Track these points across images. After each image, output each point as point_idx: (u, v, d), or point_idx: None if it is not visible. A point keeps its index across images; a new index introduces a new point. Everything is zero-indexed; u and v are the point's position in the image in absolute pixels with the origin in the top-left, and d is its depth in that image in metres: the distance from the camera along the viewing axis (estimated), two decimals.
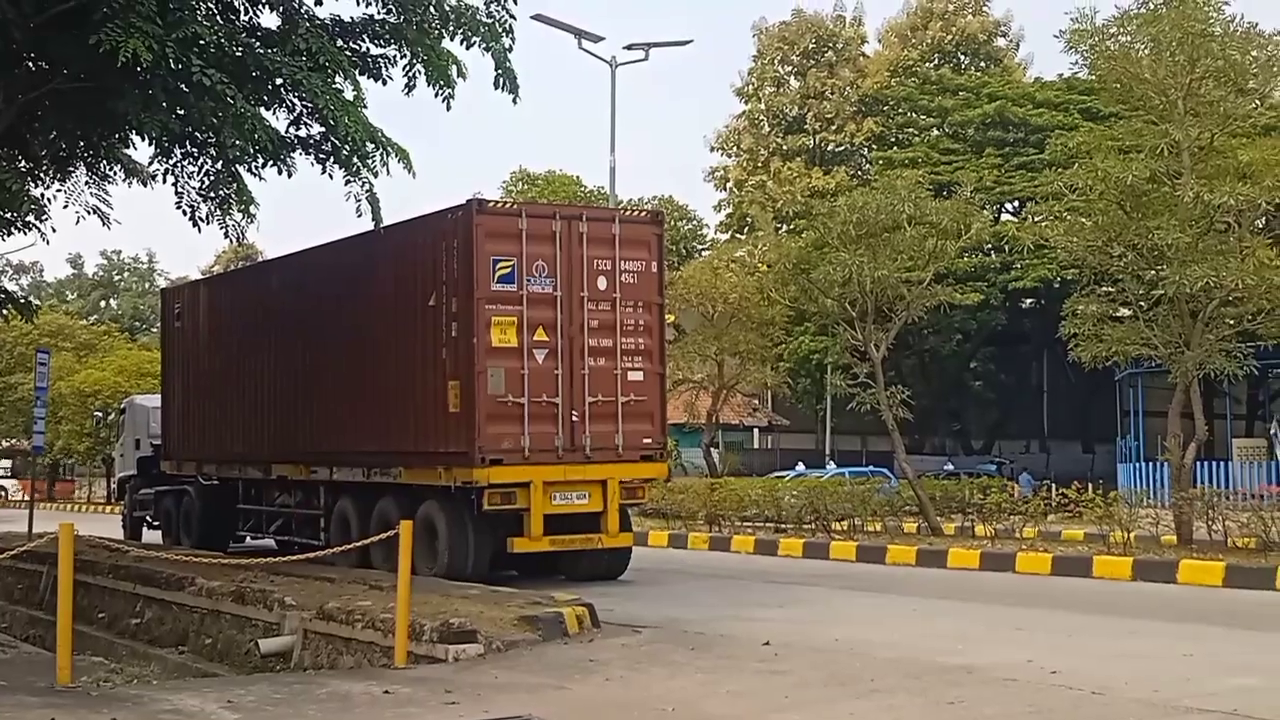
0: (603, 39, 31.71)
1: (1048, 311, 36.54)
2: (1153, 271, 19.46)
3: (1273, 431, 33.27)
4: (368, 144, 15.19)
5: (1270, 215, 20.51)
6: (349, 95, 15.46)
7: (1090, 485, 20.79)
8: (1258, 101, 21.10)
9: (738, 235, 54.36)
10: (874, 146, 54.13)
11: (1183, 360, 19.43)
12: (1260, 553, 17.27)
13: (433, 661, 10.83)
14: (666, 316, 18.69)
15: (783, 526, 24.18)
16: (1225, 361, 19.58)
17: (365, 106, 15.83)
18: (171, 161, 17.23)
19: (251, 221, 17.33)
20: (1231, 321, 20.38)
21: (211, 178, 17.18)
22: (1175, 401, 20.18)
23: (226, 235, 17.89)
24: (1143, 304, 20.23)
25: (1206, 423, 21.38)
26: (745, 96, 58.16)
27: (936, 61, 56.26)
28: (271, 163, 16.76)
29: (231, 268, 51.98)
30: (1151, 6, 19.52)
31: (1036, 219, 21.44)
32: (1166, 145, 19.29)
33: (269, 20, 16.13)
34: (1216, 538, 18.86)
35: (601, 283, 16.63)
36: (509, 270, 16.05)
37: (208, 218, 17.46)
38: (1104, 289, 20.88)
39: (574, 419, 16.32)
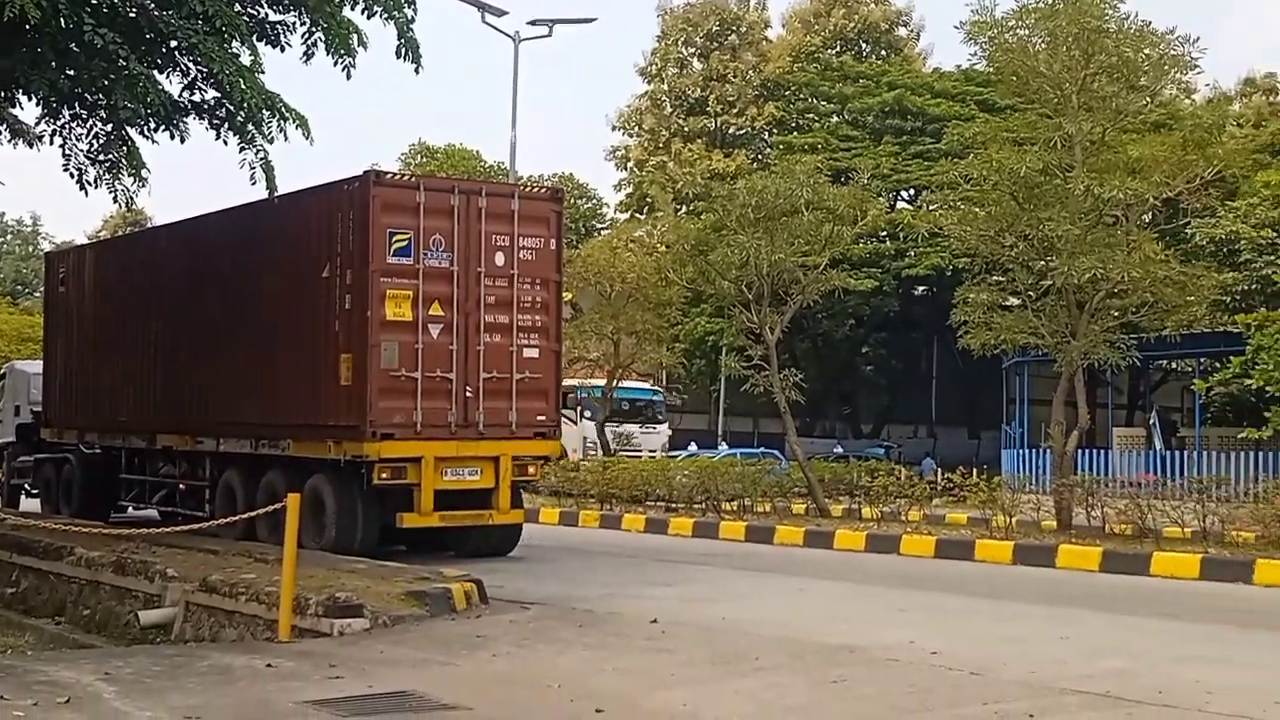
0: (506, 13, 31.54)
1: (939, 299, 37.07)
2: (1042, 262, 19.82)
3: (1152, 421, 34.14)
4: (264, 111, 14.98)
5: (1157, 210, 21.00)
6: (246, 61, 15.23)
7: (975, 470, 21.17)
8: (1148, 99, 21.55)
9: (637, 215, 54.40)
10: (774, 131, 54.47)
11: (1068, 350, 19.83)
12: (1136, 539, 17.71)
13: (317, 635, 10.74)
14: (564, 294, 18.62)
15: (674, 506, 24.29)
16: (1109, 352, 20.03)
17: (262, 73, 15.66)
18: (60, 122, 16.85)
19: (142, 186, 17.04)
20: (1116, 313, 20.85)
21: (101, 140, 16.83)
22: (1060, 390, 20.60)
23: (116, 200, 17.56)
24: (1031, 294, 20.61)
25: (1089, 412, 21.87)
26: (648, 77, 58.18)
27: (838, 48, 56.74)
28: (164, 127, 16.47)
29: (120, 233, 50.84)
30: (1049, 2, 19.82)
31: (931, 207, 21.79)
32: (1060, 139, 19.64)
33: None
34: (1095, 524, 19.30)
35: (499, 258, 16.54)
36: (405, 244, 15.90)
37: (96, 181, 17.12)
38: (994, 278, 21.23)
39: (468, 395, 16.24)
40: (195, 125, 16.74)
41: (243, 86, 14.61)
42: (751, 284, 23.74)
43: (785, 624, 11.56)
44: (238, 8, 15.93)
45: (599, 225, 58.62)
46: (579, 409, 34.07)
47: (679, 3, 57.61)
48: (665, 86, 57.55)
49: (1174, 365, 38.53)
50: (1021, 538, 18.26)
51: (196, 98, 16.44)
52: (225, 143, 16.11)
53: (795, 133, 51.27)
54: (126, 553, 13.91)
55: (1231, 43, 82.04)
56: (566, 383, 31.03)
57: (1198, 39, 19.76)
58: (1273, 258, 31.36)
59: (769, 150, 53.06)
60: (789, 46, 57.74)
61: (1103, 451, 30.36)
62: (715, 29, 56.87)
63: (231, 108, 15.44)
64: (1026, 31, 20.22)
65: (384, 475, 15.73)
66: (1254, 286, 29.64)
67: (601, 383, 34.43)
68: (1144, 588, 15.04)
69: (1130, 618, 12.49)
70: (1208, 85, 49.57)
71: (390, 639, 10.62)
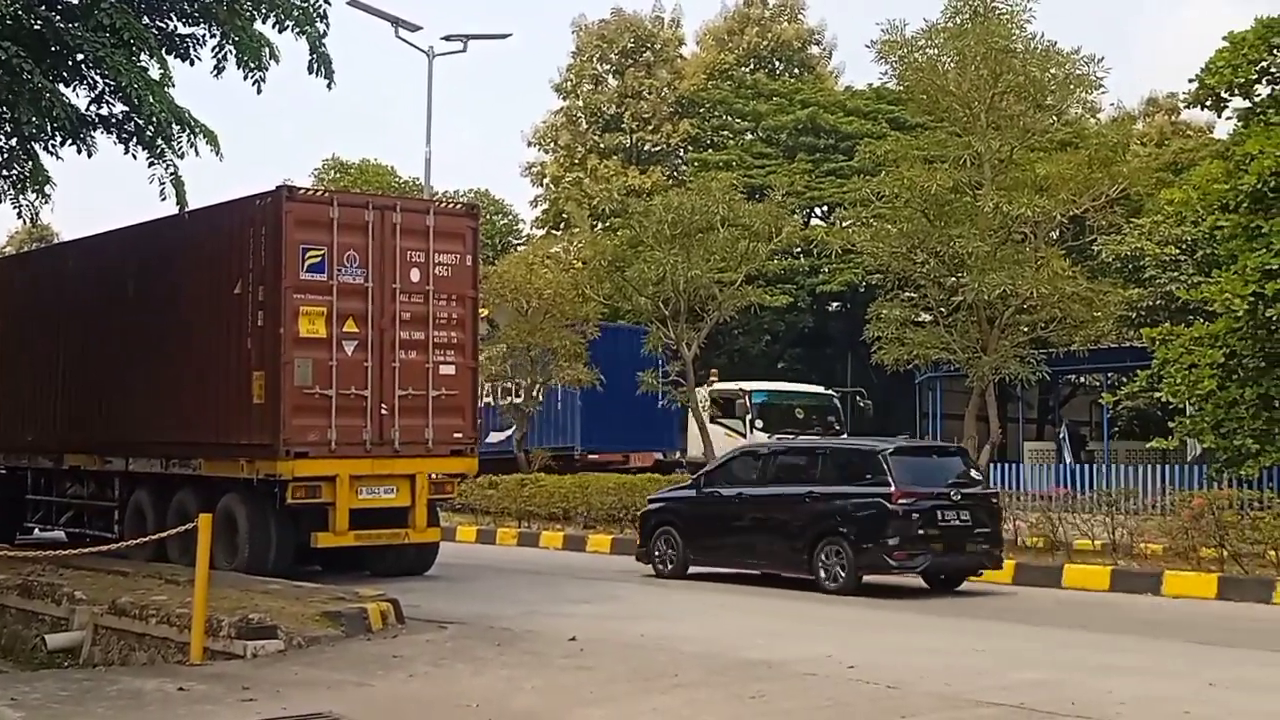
0: (420, 28, 31.35)
1: (853, 315, 37.40)
2: (953, 278, 20.09)
3: (1061, 435, 34.66)
4: (173, 125, 14.74)
5: (1064, 227, 21.38)
6: (155, 74, 14.97)
7: None
8: (1055, 117, 21.97)
9: (553, 231, 54.31)
10: (689, 148, 54.69)
11: (980, 365, 20.10)
12: (1048, 552, 17.96)
13: (230, 658, 10.57)
14: (480, 310, 18.53)
15: (592, 523, 24.24)
16: (1019, 367, 20.34)
17: (172, 86, 15.39)
18: None
19: (46, 201, 16.64)
20: (1026, 329, 21.21)
21: (4, 155, 16.45)
22: (972, 405, 20.88)
23: (20, 215, 17.17)
24: (943, 310, 20.88)
25: (1000, 426, 22.16)
26: (564, 93, 58.16)
27: (752, 66, 57.10)
28: (70, 141, 16.17)
29: (25, 249, 49.85)
30: (958, 22, 20.12)
31: (844, 224, 21.98)
32: (969, 157, 19.95)
33: None
34: (1008, 537, 19.53)
35: (414, 275, 16.43)
36: (319, 259, 15.75)
37: (0, 196, 16.73)
38: (907, 294, 21.48)
39: (383, 412, 16.10)
40: (103, 139, 16.48)
41: (151, 100, 14.37)
42: (668, 300, 23.81)
43: (704, 639, 11.58)
44: (146, 20, 15.68)
45: (515, 241, 58.42)
46: (747, 418, 29.01)
47: (594, 19, 57.70)
48: (580, 103, 57.56)
49: (1082, 380, 39.12)
50: None
51: (104, 111, 16.17)
52: (134, 157, 15.84)
53: (710, 150, 51.52)
54: (33, 575, 13.61)
55: (1134, 64, 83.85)
56: (724, 386, 30.22)
57: (1102, 59, 20.21)
58: (1176, 274, 32.02)
59: (684, 167, 53.25)
60: (703, 64, 58.03)
61: (1014, 465, 30.75)
62: (630, 46, 57.01)
63: (140, 122, 15.19)
64: (936, 51, 20.53)
65: (298, 494, 15.54)
66: (1158, 302, 30.25)
67: (767, 386, 31.18)
68: (1056, 600, 15.27)
69: (1043, 629, 12.67)
70: (1112, 105, 50.53)
71: (305, 660, 10.48)
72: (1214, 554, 16.17)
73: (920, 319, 21.72)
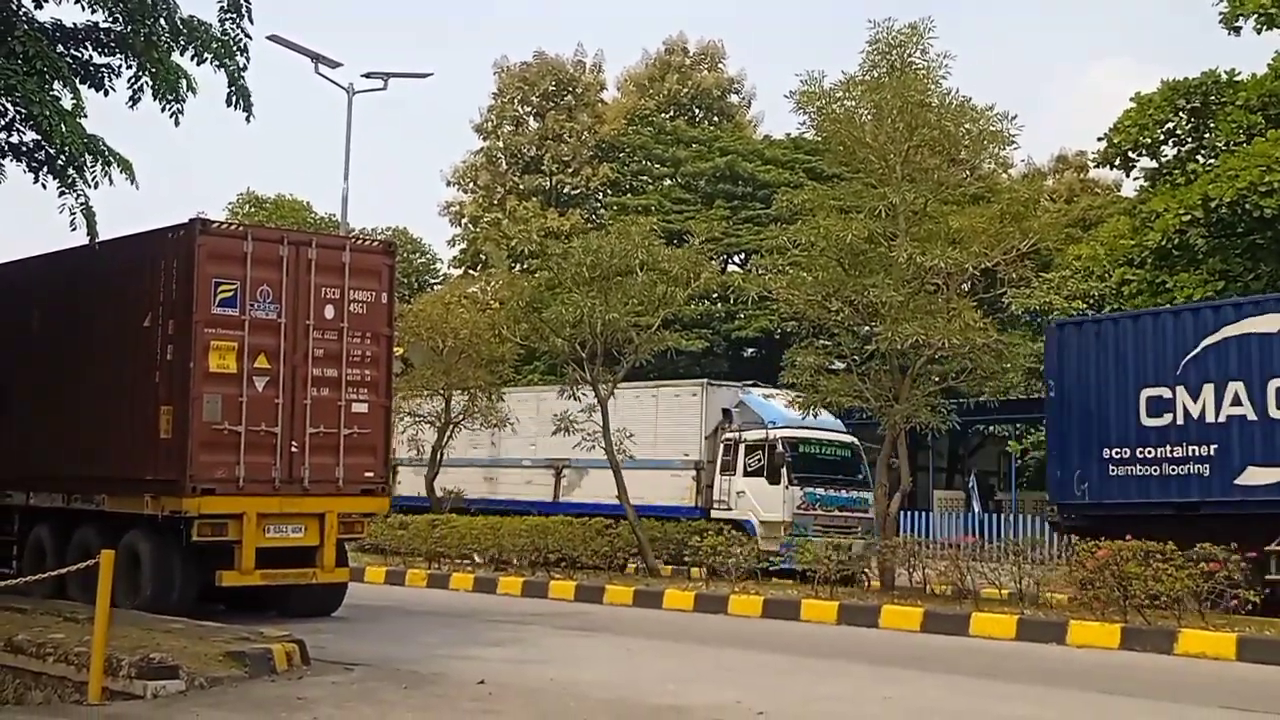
0: (340, 65, 31.34)
1: (768, 361, 37.67)
2: (867, 327, 20.30)
3: (970, 484, 35.10)
4: (85, 155, 14.53)
5: (976, 279, 21.67)
6: (67, 104, 14.76)
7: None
8: (969, 172, 22.33)
9: (471, 271, 54.19)
10: (609, 191, 54.95)
11: (892, 413, 20.30)
12: (956, 600, 18.13)
13: (130, 698, 10.33)
14: (395, 349, 18.41)
15: (503, 565, 24.09)
16: (930, 416, 20.56)
17: (84, 116, 15.17)
18: None
19: None
20: (937, 378, 21.48)
21: None
22: (883, 452, 21.05)
23: None
24: (856, 358, 21.08)
25: (911, 474, 22.36)
26: (484, 133, 58.22)
27: (672, 113, 57.56)
28: None
29: None
30: (875, 75, 20.40)
31: (761, 271, 22.12)
32: (884, 208, 20.18)
33: None
34: (917, 584, 19.72)
35: (329, 311, 16.31)
36: (231, 294, 15.58)
37: None
38: (821, 342, 21.66)
39: (293, 450, 15.92)
40: (13, 167, 16.22)
41: (63, 130, 14.16)
42: (585, 342, 23.81)
43: (614, 685, 11.52)
44: (60, 49, 15.50)
45: (432, 280, 58.23)
46: (782, 468, 25.15)
47: (515, 61, 57.91)
48: (501, 144, 57.63)
49: (991, 430, 39.69)
50: (846, 598, 18.55)
51: (14, 139, 15.92)
52: (44, 186, 15.60)
53: (629, 194, 51.80)
54: None
55: (1045, 121, 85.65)
56: (750, 434, 25.66)
57: (1015, 116, 20.54)
58: None
59: (603, 211, 53.46)
60: (624, 109, 58.40)
61: (924, 513, 31.08)
62: (551, 89, 57.24)
63: (51, 151, 14.97)
64: (853, 103, 20.78)
65: (204, 532, 15.30)
66: None
67: (796, 431, 25.38)
68: (964, 647, 15.40)
69: (951, 677, 12.76)
70: (1023, 161, 51.63)
71: (207, 701, 10.27)
72: (1117, 604, 16.41)
73: (834, 366, 21.91)
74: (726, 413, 26.86)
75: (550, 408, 26.45)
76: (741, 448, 25.93)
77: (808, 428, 25.01)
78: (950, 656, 14.39)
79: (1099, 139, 32.86)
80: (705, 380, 28.94)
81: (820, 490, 25.29)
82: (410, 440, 30.44)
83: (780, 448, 25.07)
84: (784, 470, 24.97)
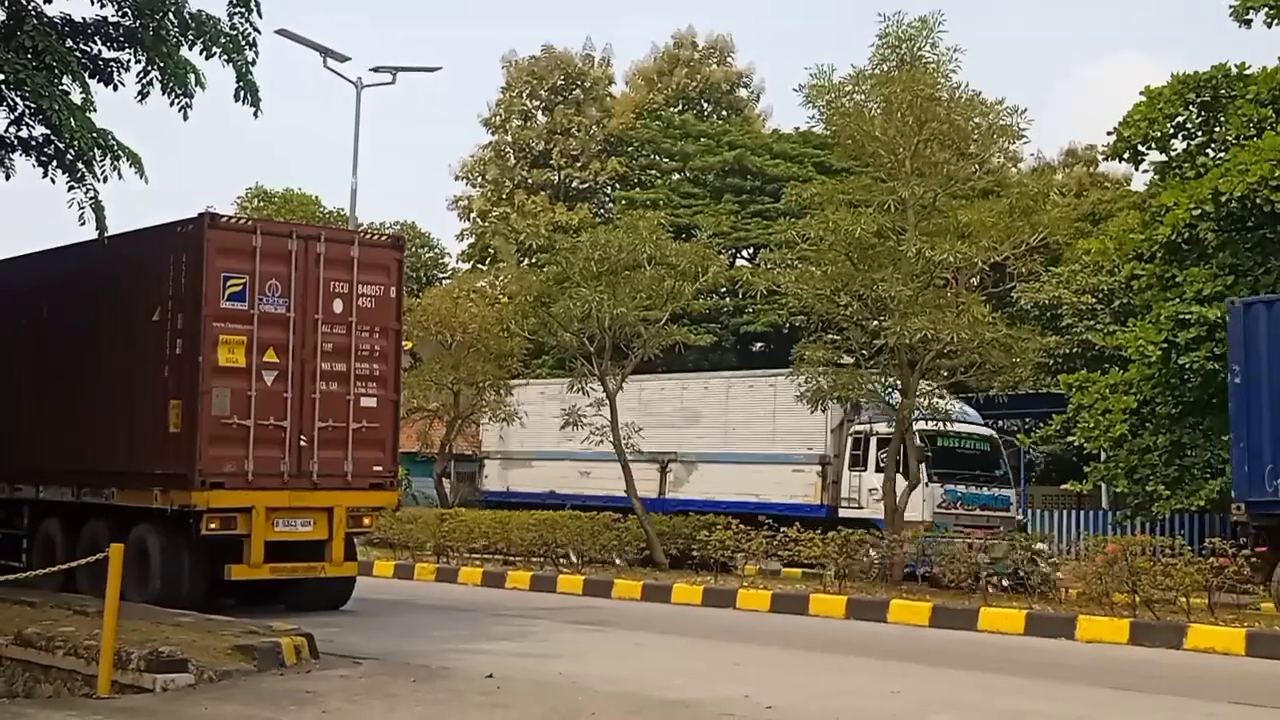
0: (349, 59, 31.23)
1: (777, 355, 37.60)
2: (875, 321, 20.27)
3: None
4: (94, 149, 14.54)
5: (985, 274, 21.65)
6: (77, 98, 14.78)
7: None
8: (977, 166, 22.27)
9: (479, 266, 54.19)
10: (617, 186, 54.93)
11: (900, 407, 20.27)
12: (965, 595, 18.12)
13: (139, 691, 10.36)
14: (404, 343, 18.43)
15: (511, 559, 24.11)
16: (939, 410, 20.52)
17: (94, 110, 15.17)
18: None
19: None
20: (946, 373, 21.44)
21: None
22: (891, 447, 21.02)
23: None
24: (865, 352, 21.05)
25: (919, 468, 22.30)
26: (492, 127, 58.18)
27: (680, 107, 57.51)
28: None
29: None
30: (885, 69, 20.38)
31: (769, 266, 22.06)
32: (893, 202, 20.15)
33: None
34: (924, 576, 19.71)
35: (337, 305, 16.32)
36: (240, 288, 15.60)
37: None
38: (830, 336, 21.65)
39: (302, 444, 15.94)
40: (22, 162, 16.23)
41: (73, 124, 14.18)
42: (593, 337, 23.82)
43: (622, 679, 11.53)
44: (70, 43, 15.51)
45: (440, 275, 58.26)
46: (920, 464, 22.11)
47: (524, 55, 57.87)
48: (509, 138, 57.60)
49: (1000, 424, 39.64)
50: (855, 593, 18.54)
51: (24, 134, 15.93)
52: (53, 181, 15.62)
53: (637, 188, 51.74)
54: None
55: (1055, 115, 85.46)
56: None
57: (1025, 110, 20.51)
58: (1093, 322, 32.60)
59: (611, 205, 53.43)
60: (632, 103, 58.34)
61: None
62: (560, 83, 57.21)
63: (61, 145, 14.99)
64: (862, 97, 20.76)
65: (213, 525, 15.32)
66: (1075, 349, 30.84)
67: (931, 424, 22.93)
68: (972, 642, 15.39)
69: (959, 672, 12.75)
70: (1032, 155, 51.49)
71: (216, 695, 10.30)
72: (1127, 599, 16.40)
73: (842, 361, 21.87)
74: (855, 403, 24.17)
75: (649, 397, 25.80)
76: (873, 441, 23.72)
77: (946, 432, 23.52)
78: (959, 651, 14.38)
79: (1108, 133, 32.69)
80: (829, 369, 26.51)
81: (960, 487, 23.36)
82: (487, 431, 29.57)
83: (919, 441, 22.43)
84: (923, 466, 22.42)
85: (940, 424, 22.61)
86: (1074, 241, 32.27)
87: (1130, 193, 42.66)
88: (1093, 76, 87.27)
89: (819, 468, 24.54)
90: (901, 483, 20.52)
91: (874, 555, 19.47)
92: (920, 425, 22.46)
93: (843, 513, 23.44)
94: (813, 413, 22.47)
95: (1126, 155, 32.62)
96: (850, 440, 24.22)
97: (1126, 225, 33.28)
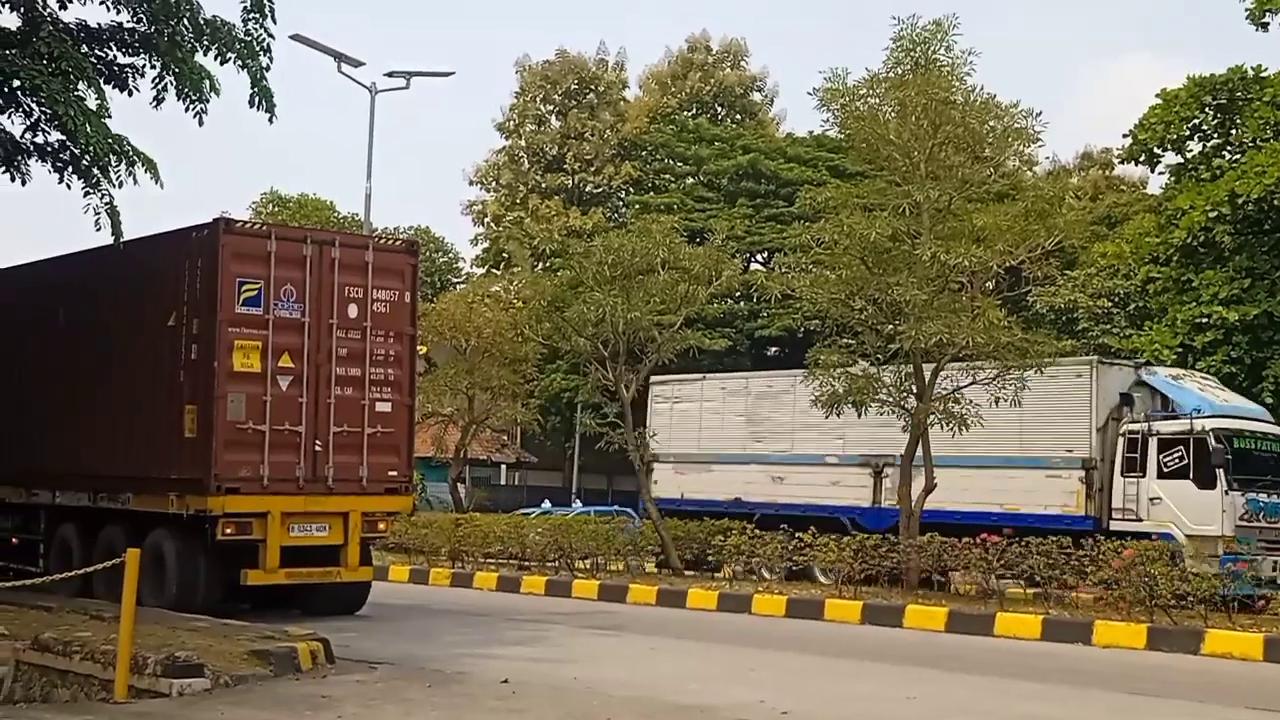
0: (363, 64, 31.37)
1: (791, 359, 37.60)
2: (890, 326, 20.20)
3: None
4: (109, 155, 14.58)
5: (1000, 278, 21.54)
6: (92, 104, 14.82)
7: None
8: (992, 169, 22.20)
9: (494, 270, 54.29)
10: (631, 190, 54.99)
11: (916, 411, 20.21)
12: (981, 600, 18.06)
13: (156, 696, 10.37)
14: (418, 348, 18.44)
15: (526, 564, 24.10)
16: (955, 414, 20.42)
17: (109, 116, 15.21)
18: None
19: None
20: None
21: None
22: (907, 451, 20.95)
23: None
24: (880, 356, 20.98)
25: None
26: (506, 132, 58.29)
27: (694, 111, 57.54)
28: (4, 168, 15.98)
29: None
30: (899, 72, 20.33)
31: (784, 270, 22.01)
32: (908, 205, 20.09)
33: (8, 20, 15.35)
34: (938, 581, 19.65)
35: (352, 310, 16.34)
36: (255, 293, 15.62)
37: None
38: (844, 340, 21.58)
39: (317, 448, 15.95)
40: (37, 168, 16.28)
41: (88, 130, 14.22)
42: (607, 341, 23.81)
43: (637, 684, 11.51)
44: (85, 49, 15.56)
45: (455, 280, 58.36)
46: (1219, 469, 20.01)
47: (538, 60, 57.96)
48: (523, 142, 57.69)
49: None
50: (870, 598, 18.49)
51: (39, 139, 15.99)
52: (69, 186, 15.67)
53: (652, 192, 51.80)
54: None
55: (1070, 118, 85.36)
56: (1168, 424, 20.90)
57: (1040, 113, 20.43)
58: (1109, 326, 32.54)
59: (625, 209, 53.47)
60: (646, 107, 58.39)
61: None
62: (574, 87, 57.28)
63: (76, 150, 15.04)
64: (877, 100, 20.70)
65: (228, 531, 15.34)
66: (1091, 353, 30.66)
67: (1226, 421, 20.97)
68: (988, 648, 15.35)
69: (975, 677, 12.71)
70: (1048, 158, 51.46)
71: (232, 699, 10.30)
72: (1143, 604, 16.33)
73: (857, 365, 21.78)
74: (1125, 398, 21.64)
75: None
76: (1153, 442, 20.86)
77: (1239, 417, 21.21)
78: (975, 656, 14.33)
79: (1124, 135, 32.76)
80: (1094, 358, 23.18)
81: (1263, 497, 20.35)
82: (667, 432, 26.79)
83: (1215, 442, 20.06)
84: (1221, 472, 19.97)
85: (1239, 422, 20.90)
86: (1089, 245, 32.25)
87: (1146, 196, 42.59)
88: (1108, 79, 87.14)
89: (1082, 472, 21.30)
90: (918, 486, 20.43)
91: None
92: (1217, 424, 20.59)
93: (1114, 524, 20.66)
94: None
95: (1142, 158, 32.64)
96: (1124, 441, 21.15)
97: (1142, 228, 33.29)
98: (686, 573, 22.99)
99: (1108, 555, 16.76)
